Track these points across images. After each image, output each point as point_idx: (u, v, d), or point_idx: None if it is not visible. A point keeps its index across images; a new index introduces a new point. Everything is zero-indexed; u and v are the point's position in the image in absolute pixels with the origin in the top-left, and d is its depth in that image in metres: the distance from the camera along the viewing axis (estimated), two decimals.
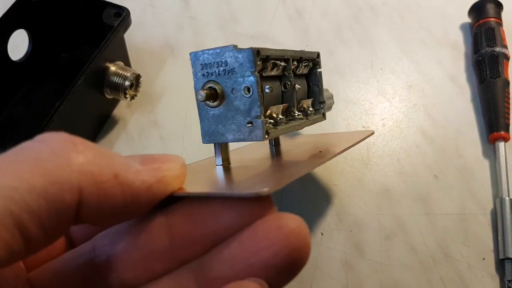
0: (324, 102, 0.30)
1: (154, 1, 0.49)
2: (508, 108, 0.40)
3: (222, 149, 0.25)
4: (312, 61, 0.29)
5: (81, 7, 0.38)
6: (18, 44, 0.40)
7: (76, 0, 0.38)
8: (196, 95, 0.23)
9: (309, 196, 0.37)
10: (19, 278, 0.18)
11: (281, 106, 0.25)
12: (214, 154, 0.25)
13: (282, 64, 0.25)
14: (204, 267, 0.17)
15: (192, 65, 0.24)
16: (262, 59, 0.23)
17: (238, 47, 0.22)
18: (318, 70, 0.30)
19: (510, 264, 0.33)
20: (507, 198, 0.36)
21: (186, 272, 0.18)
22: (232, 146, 0.27)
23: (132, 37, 0.38)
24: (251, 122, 0.23)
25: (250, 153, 0.30)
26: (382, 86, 0.44)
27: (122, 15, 0.36)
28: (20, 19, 0.37)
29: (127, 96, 0.37)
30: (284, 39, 0.47)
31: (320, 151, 0.27)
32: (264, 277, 0.16)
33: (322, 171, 0.38)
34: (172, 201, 0.18)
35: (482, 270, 0.34)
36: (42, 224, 0.14)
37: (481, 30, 0.45)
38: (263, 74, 0.24)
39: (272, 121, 0.24)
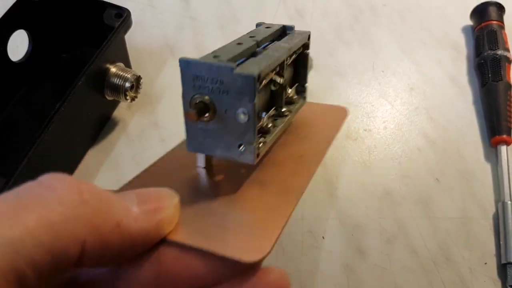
0: (306, 83, 0.29)
1: (154, 1, 0.49)
2: (510, 112, 0.40)
3: (206, 157, 0.24)
4: (302, 45, 0.28)
5: (81, 7, 0.38)
6: (18, 45, 0.39)
7: (76, 1, 0.38)
8: (184, 106, 0.21)
9: (310, 199, 0.36)
10: None
11: (270, 112, 0.24)
12: None
13: (278, 79, 0.24)
14: None
15: (181, 72, 0.21)
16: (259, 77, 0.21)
17: (237, 67, 0.20)
18: (307, 51, 0.28)
19: None
20: (509, 202, 0.36)
21: None
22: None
23: (132, 37, 0.38)
24: (242, 145, 0.22)
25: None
26: (384, 88, 0.44)
27: (123, 16, 0.35)
28: (20, 19, 0.37)
29: (128, 97, 0.37)
30: None
31: (301, 155, 0.26)
32: None
33: (322, 173, 0.38)
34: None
35: (484, 275, 0.34)
36: (42, 275, 0.14)
37: (483, 33, 0.45)
38: (259, 88, 0.22)
39: (260, 134, 0.23)
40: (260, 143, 0.23)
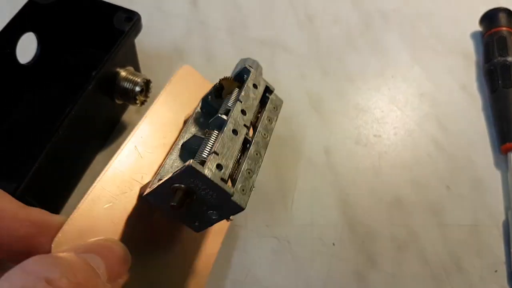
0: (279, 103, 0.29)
1: (163, 5, 0.49)
2: None
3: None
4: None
5: (91, 10, 0.38)
6: (26, 47, 0.39)
7: (86, 4, 0.37)
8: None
9: (320, 206, 0.36)
10: None
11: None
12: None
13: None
14: None
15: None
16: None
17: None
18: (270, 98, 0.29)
19: None
20: None
21: None
22: None
23: (141, 41, 0.38)
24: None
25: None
26: (394, 94, 0.44)
27: (133, 20, 0.35)
28: (29, 22, 0.37)
29: (137, 101, 0.36)
30: (293, 44, 0.47)
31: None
32: None
33: (333, 179, 0.37)
34: None
35: (494, 283, 0.34)
36: None
37: (492, 39, 0.45)
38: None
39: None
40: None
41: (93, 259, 0.19)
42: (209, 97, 0.30)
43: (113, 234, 0.23)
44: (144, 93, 0.37)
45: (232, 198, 0.22)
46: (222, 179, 0.22)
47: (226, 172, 0.22)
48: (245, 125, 0.26)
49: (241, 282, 0.33)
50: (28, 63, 0.39)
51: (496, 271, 0.34)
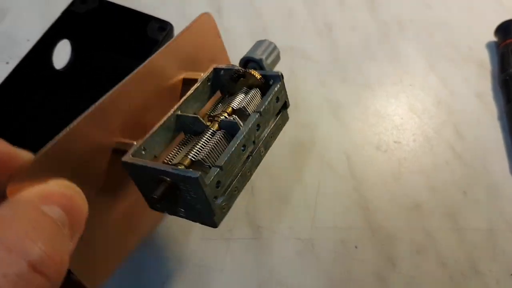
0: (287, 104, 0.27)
1: (187, 13, 0.50)
2: None
3: None
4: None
5: (125, 20, 0.39)
6: (60, 54, 0.41)
7: (120, 13, 0.39)
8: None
9: (342, 210, 0.38)
10: None
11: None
12: None
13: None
14: None
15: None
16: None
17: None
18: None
19: None
20: None
21: None
22: None
23: None
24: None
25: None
26: (412, 101, 0.45)
27: (166, 30, 0.37)
28: (65, 29, 0.38)
29: None
30: (312, 52, 0.48)
31: None
32: None
33: (354, 184, 0.39)
34: None
35: (511, 286, 0.35)
36: None
37: (508, 50, 0.46)
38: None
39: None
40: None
41: (58, 214, 0.18)
42: (222, 71, 0.28)
43: (75, 179, 0.21)
44: None
45: (213, 216, 0.21)
46: (215, 197, 0.21)
47: (222, 190, 0.22)
48: (253, 141, 0.24)
49: (266, 282, 0.34)
50: (62, 69, 0.40)
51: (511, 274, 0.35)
